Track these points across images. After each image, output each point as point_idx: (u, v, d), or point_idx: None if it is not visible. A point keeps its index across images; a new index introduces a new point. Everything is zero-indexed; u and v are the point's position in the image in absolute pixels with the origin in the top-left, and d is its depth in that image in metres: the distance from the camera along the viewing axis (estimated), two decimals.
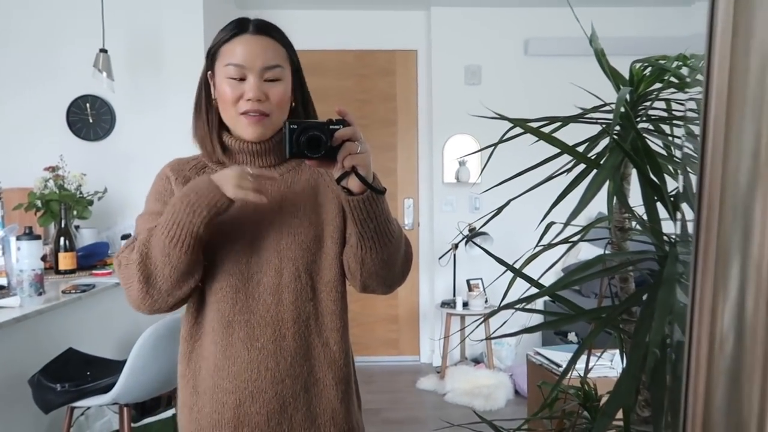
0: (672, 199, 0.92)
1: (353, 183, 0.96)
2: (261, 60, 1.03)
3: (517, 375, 3.61)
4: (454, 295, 4.01)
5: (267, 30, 1.06)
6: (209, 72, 1.10)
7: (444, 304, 4.00)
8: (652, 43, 3.86)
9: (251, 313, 1.04)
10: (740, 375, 0.43)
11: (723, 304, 0.43)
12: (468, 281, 4.00)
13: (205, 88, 1.11)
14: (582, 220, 1.05)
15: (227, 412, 1.03)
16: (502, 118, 1.01)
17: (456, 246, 4.00)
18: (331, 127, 0.95)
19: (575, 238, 1.08)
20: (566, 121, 1.06)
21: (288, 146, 0.95)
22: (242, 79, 1.03)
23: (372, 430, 2.36)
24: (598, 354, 1.57)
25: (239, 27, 1.05)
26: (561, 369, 2.07)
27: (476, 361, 4.09)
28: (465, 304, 3.90)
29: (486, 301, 3.90)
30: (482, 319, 1.05)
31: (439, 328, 4.22)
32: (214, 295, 1.04)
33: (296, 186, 1.09)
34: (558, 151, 1.04)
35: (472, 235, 3.80)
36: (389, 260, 1.04)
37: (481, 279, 4.02)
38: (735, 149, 0.43)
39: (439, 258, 4.09)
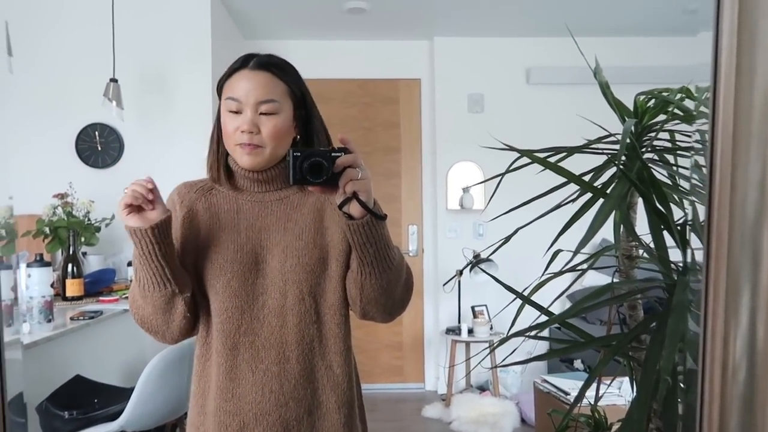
0: (678, 227, 0.94)
1: (354, 208, 0.98)
2: (254, 95, 1.06)
3: (524, 403, 3.58)
4: (459, 322, 4.00)
5: (266, 66, 1.09)
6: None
7: (449, 331, 3.98)
8: (657, 72, 3.91)
9: (256, 335, 1.05)
10: (753, 402, 0.44)
11: (735, 332, 0.45)
12: (473, 308, 3.98)
13: (218, 118, 1.14)
14: (587, 247, 1.07)
15: None
16: (511, 149, 1.04)
17: (461, 272, 4.00)
18: (332, 154, 0.98)
19: (583, 266, 1.09)
20: (572, 151, 1.09)
21: (292, 173, 0.98)
22: (239, 112, 1.07)
23: None
24: (607, 382, 1.57)
25: (242, 63, 1.09)
26: (569, 396, 2.05)
27: (481, 388, 4.05)
28: (470, 331, 3.88)
29: (491, 328, 3.88)
30: (493, 346, 1.06)
31: (443, 354, 4.20)
32: (219, 317, 1.06)
33: (302, 208, 1.11)
34: (563, 180, 1.06)
35: (477, 261, 3.81)
36: (388, 287, 1.05)
37: (486, 306, 4.00)
38: (742, 181, 0.45)
39: (444, 284, 4.09)
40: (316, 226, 1.10)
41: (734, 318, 0.45)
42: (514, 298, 1.04)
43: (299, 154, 0.98)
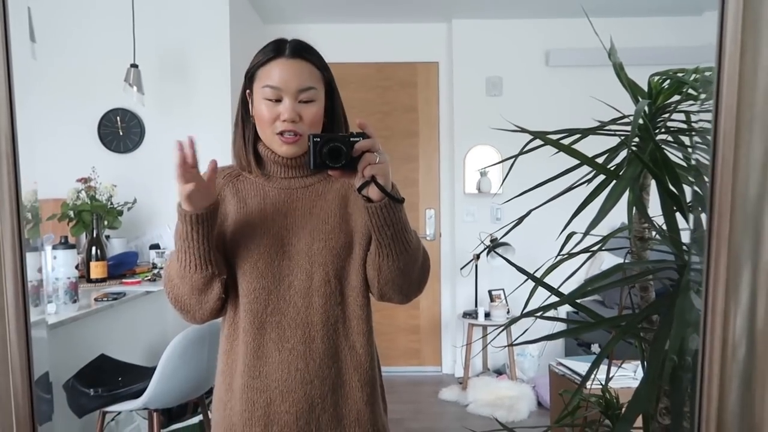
0: (691, 208, 0.94)
1: (373, 191, 1.00)
2: (295, 82, 1.08)
3: (540, 386, 3.59)
4: (476, 306, 4.01)
5: (302, 53, 1.10)
6: (247, 91, 1.15)
7: (466, 315, 4.00)
8: (667, 53, 3.85)
9: (282, 314, 1.08)
10: (753, 379, 0.45)
11: (735, 310, 0.45)
12: (490, 292, 3.99)
13: (243, 106, 1.16)
14: (605, 229, 1.07)
15: (258, 410, 1.07)
16: (523, 131, 1.04)
17: (478, 256, 4.01)
18: (351, 139, 1.00)
19: (596, 248, 1.09)
20: (585, 133, 1.09)
21: (312, 158, 1.00)
22: (278, 100, 1.08)
23: None
24: (619, 364, 1.58)
25: (276, 50, 1.10)
26: None
27: (498, 372, 4.08)
28: (487, 315, 3.89)
29: (508, 312, 3.89)
30: (505, 324, 1.07)
31: (460, 338, 4.22)
32: (246, 297, 1.09)
33: (328, 194, 1.14)
34: (578, 162, 1.06)
35: (494, 245, 3.81)
36: (405, 269, 1.08)
37: (503, 289, 4.01)
38: (744, 162, 0.46)
39: (461, 268, 4.10)
40: (341, 211, 1.12)
41: (734, 296, 0.45)
42: (525, 280, 1.05)
43: (319, 139, 1.00)
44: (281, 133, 1.09)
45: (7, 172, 0.44)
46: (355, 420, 1.09)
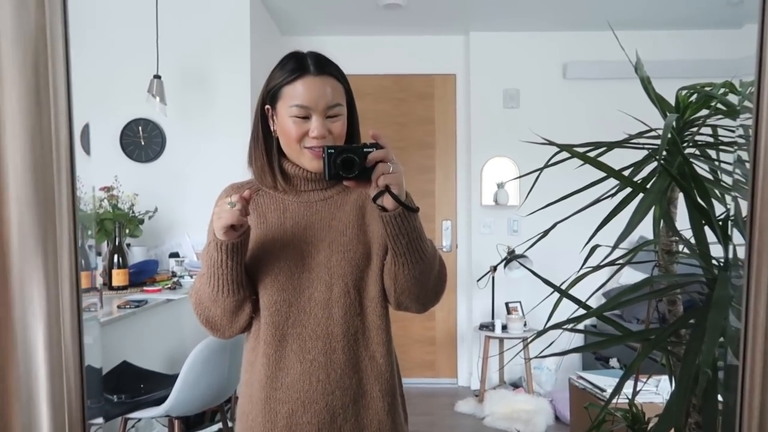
0: (720, 223, 0.93)
1: (387, 201, 1.02)
2: (324, 100, 1.09)
3: (558, 400, 3.56)
4: (493, 318, 3.99)
5: (327, 68, 1.11)
6: (267, 107, 1.15)
7: (482, 327, 3.98)
8: (700, 66, 3.82)
9: (303, 326, 1.09)
10: None
11: None
12: (507, 304, 3.97)
13: (262, 120, 1.17)
14: (625, 243, 1.07)
15: (280, 421, 1.08)
16: (551, 143, 1.05)
17: (494, 268, 3.99)
18: (365, 149, 1.02)
19: (621, 261, 1.09)
20: (612, 146, 1.09)
21: (327, 169, 1.03)
22: (306, 117, 1.09)
23: None
24: (644, 380, 1.55)
25: (300, 67, 1.10)
26: (605, 393, 2.05)
27: (515, 385, 4.04)
28: (504, 327, 3.87)
29: (525, 324, 3.87)
30: (528, 340, 1.07)
31: (477, 350, 4.20)
32: (267, 310, 1.10)
33: (345, 206, 1.15)
34: (601, 175, 1.06)
35: (513, 257, 3.79)
36: (421, 277, 1.08)
37: (520, 302, 3.99)
38: None
39: (477, 280, 4.08)
40: (359, 222, 1.14)
41: None
42: (551, 293, 1.05)
43: (333, 150, 1.02)
44: (310, 149, 1.10)
45: (66, 183, 0.46)
46: (376, 430, 1.10)
